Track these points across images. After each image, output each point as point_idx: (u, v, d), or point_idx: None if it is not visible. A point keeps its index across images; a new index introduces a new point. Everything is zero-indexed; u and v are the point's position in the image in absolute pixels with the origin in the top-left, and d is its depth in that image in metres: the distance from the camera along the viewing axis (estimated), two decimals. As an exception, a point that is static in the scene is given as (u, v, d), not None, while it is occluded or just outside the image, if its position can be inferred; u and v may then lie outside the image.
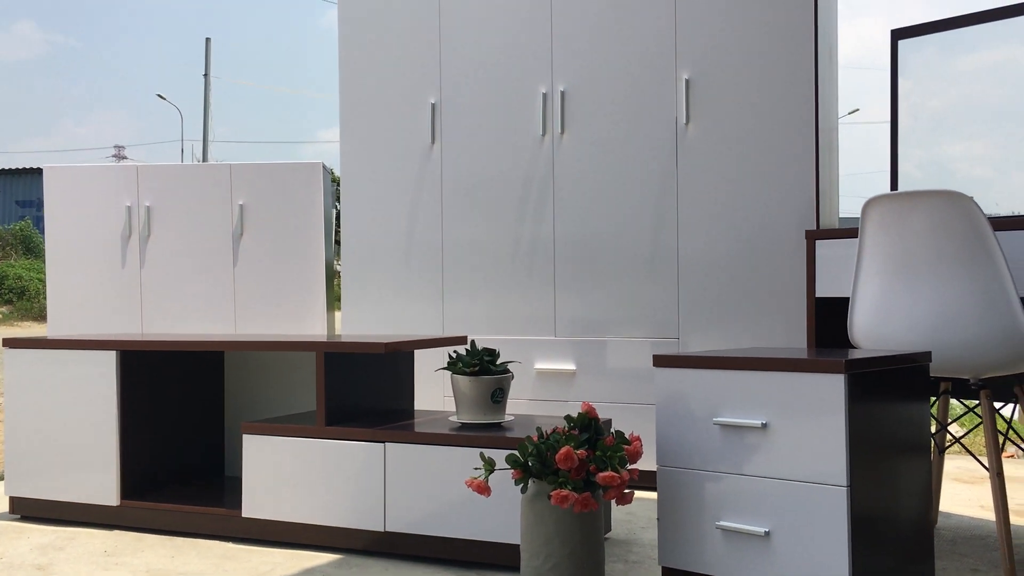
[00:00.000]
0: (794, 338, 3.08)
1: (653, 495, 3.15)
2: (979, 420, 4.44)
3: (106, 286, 4.21)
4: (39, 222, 19.69)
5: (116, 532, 2.78)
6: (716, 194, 3.18)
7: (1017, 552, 2.48)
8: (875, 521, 1.92)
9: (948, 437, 2.82)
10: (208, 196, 4.13)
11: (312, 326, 4.02)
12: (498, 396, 2.50)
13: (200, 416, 3.15)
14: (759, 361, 1.98)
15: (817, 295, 2.63)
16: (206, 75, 23.90)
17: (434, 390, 3.57)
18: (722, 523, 2.01)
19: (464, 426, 2.50)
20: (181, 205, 4.16)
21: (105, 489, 2.82)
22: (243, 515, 2.63)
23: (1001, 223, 2.32)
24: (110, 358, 2.83)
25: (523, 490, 2.07)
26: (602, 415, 3.29)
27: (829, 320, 2.70)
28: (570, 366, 3.36)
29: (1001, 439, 3.61)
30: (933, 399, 2.69)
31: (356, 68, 3.68)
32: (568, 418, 2.11)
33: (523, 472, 2.06)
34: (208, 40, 24.17)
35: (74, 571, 2.39)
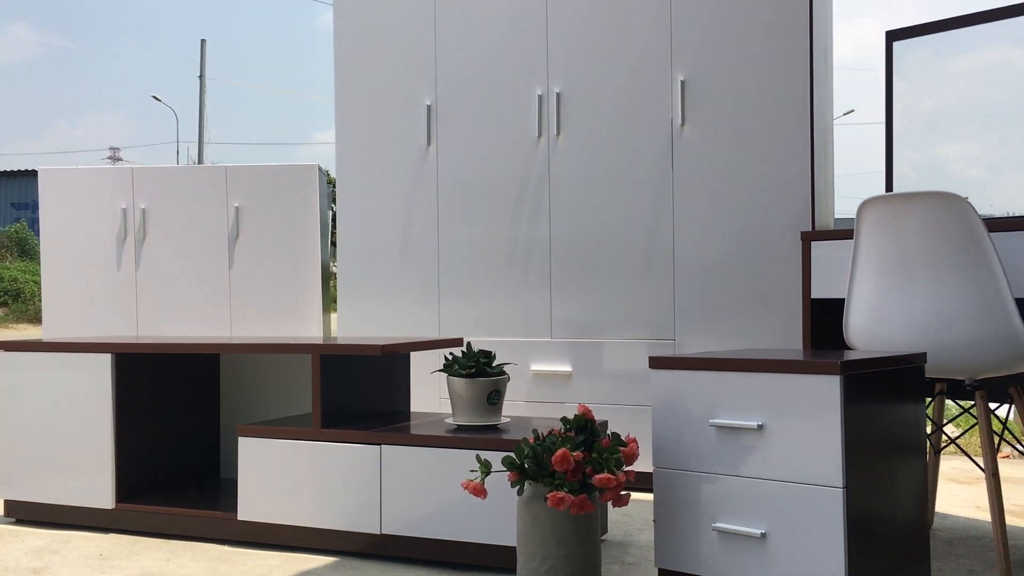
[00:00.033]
0: (790, 339, 3.08)
1: (649, 497, 3.15)
2: (974, 421, 4.45)
3: (101, 288, 4.21)
4: (34, 224, 19.66)
5: (111, 535, 2.78)
6: (712, 195, 3.19)
7: (1013, 552, 2.48)
8: (871, 522, 1.92)
9: (944, 438, 2.82)
10: (204, 198, 4.13)
11: (308, 328, 4.01)
12: (494, 398, 2.50)
13: (196, 418, 3.15)
14: (755, 363, 1.98)
15: (812, 296, 2.64)
16: (201, 76, 23.88)
17: (430, 392, 3.57)
18: (718, 524, 2.01)
19: (460, 428, 2.50)
20: (176, 207, 4.15)
21: (100, 492, 2.82)
22: (239, 518, 2.63)
23: (996, 224, 2.33)
24: (105, 361, 2.82)
25: (519, 492, 2.06)
26: (598, 417, 3.29)
27: (824, 321, 2.71)
28: (566, 368, 3.36)
29: (996, 440, 3.61)
30: (929, 400, 2.69)
31: (351, 70, 3.68)
32: (564, 420, 2.11)
33: (519, 474, 2.06)
34: (203, 41, 24.16)
35: (69, 575, 2.38)
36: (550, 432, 2.09)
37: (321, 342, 2.63)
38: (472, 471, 2.22)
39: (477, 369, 2.49)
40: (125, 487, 2.85)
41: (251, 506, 2.61)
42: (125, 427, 2.86)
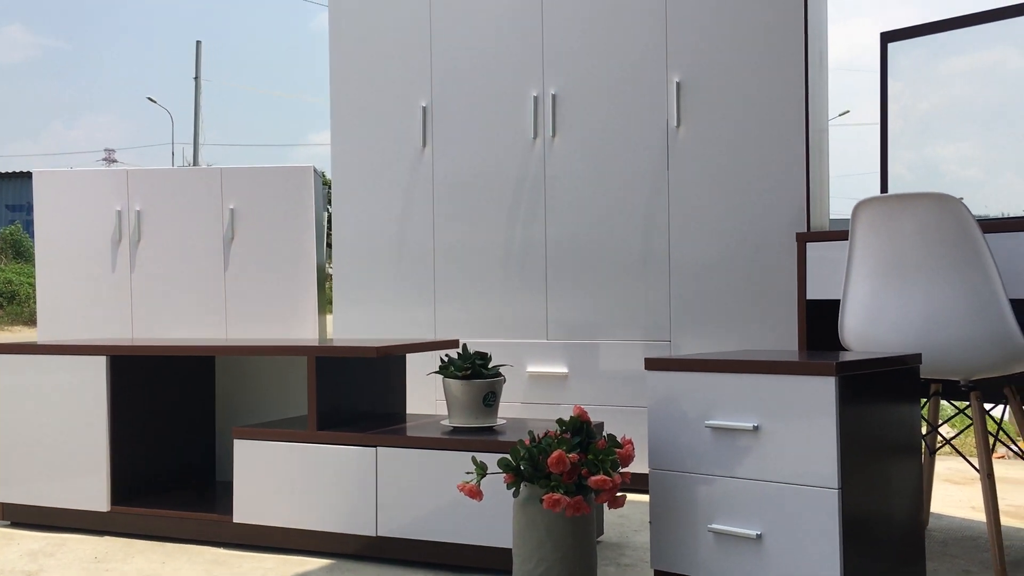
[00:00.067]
0: (785, 340, 3.08)
1: (645, 498, 3.15)
2: (969, 421, 4.45)
3: (96, 290, 4.20)
4: (29, 226, 19.62)
5: (106, 538, 2.77)
6: (707, 196, 3.19)
7: (1008, 553, 2.49)
8: (866, 523, 1.92)
9: (939, 438, 2.83)
10: (199, 200, 4.12)
11: (303, 330, 4.01)
12: (490, 400, 2.50)
13: (191, 421, 3.14)
14: (750, 364, 1.98)
15: (808, 297, 2.64)
16: (197, 78, 23.86)
17: (426, 394, 3.56)
18: (714, 526, 2.01)
19: (456, 430, 2.50)
20: (172, 209, 4.15)
21: (95, 495, 2.81)
22: (234, 520, 2.62)
23: (990, 225, 2.33)
24: (100, 363, 2.82)
25: (515, 494, 2.06)
26: (594, 418, 3.29)
27: (820, 322, 2.71)
28: (562, 369, 3.36)
29: (991, 440, 3.62)
30: (924, 401, 2.69)
31: (347, 71, 3.68)
32: (560, 421, 2.11)
33: (515, 476, 2.05)
34: (199, 43, 24.12)
35: (64, 577, 2.38)
36: (546, 434, 2.09)
37: (317, 344, 2.63)
38: (468, 473, 2.21)
39: (473, 371, 2.49)
40: (120, 490, 2.84)
41: (247, 508, 2.61)
42: (120, 429, 2.85)
